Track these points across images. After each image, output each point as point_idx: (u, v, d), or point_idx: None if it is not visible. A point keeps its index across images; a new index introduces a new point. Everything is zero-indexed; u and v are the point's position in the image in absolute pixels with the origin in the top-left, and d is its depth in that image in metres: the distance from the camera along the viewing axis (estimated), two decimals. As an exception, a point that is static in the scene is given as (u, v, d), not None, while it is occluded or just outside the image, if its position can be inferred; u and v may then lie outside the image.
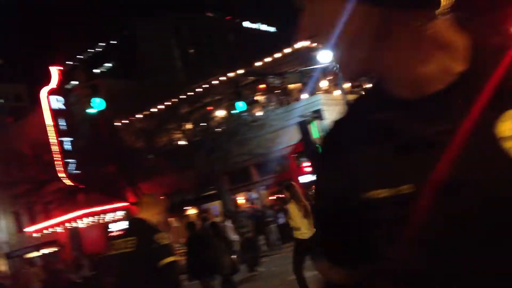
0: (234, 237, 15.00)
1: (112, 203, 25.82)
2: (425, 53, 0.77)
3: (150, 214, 4.13)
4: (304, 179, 26.21)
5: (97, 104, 22.37)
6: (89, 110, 22.90)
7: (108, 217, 27.36)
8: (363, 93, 0.98)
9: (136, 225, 4.22)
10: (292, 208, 8.13)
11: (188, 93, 25.17)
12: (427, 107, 0.76)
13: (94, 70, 66.86)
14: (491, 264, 0.70)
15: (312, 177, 24.12)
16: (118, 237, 4.94)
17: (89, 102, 22.77)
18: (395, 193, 0.76)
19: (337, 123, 0.96)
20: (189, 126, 24.39)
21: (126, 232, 4.30)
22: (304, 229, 7.87)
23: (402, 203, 0.75)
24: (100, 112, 22.74)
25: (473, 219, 0.70)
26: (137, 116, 25.08)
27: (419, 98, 0.78)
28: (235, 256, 11.40)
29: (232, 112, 22.31)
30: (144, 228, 4.01)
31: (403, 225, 0.75)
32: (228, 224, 16.01)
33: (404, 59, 0.78)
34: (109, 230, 27.55)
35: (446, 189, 0.72)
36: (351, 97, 24.46)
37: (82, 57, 73.61)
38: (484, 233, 0.70)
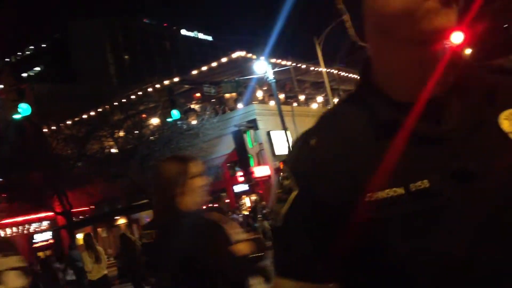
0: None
1: (37, 213, 24.77)
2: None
3: None
4: (237, 188, 26.20)
5: (23, 109, 21.43)
6: (15, 115, 21.88)
7: (33, 227, 26.22)
8: (351, 96, 0.95)
9: None
10: (85, 255, 10.57)
11: (122, 100, 24.61)
12: (428, 109, 0.81)
13: (23, 74, 64.21)
14: None
15: (244, 187, 24.26)
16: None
17: (15, 106, 21.75)
18: (413, 189, 0.77)
19: (326, 128, 0.91)
20: (121, 133, 23.82)
21: None
22: (94, 272, 10.35)
23: (418, 198, 0.77)
24: (26, 117, 21.79)
25: (494, 207, 0.75)
26: (66, 122, 24.22)
27: (419, 101, 0.82)
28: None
29: (166, 120, 22.02)
30: None
31: (422, 220, 0.76)
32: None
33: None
34: (33, 241, 26.39)
35: (464, 180, 0.76)
36: (285, 108, 24.82)
37: (9, 59, 70.52)
38: (507, 219, 0.74)
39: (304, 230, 0.87)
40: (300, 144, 0.91)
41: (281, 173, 0.93)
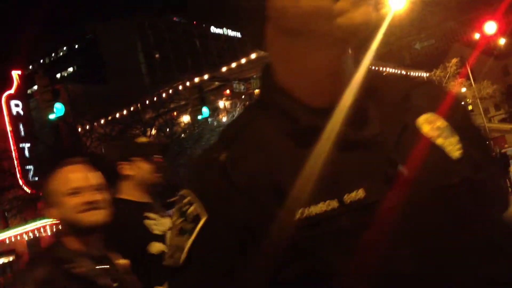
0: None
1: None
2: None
3: None
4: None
5: (57, 109, 21.91)
6: (50, 115, 22.38)
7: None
8: (258, 103, 0.85)
9: None
10: None
11: (153, 99, 24.89)
12: (349, 114, 0.76)
13: (57, 75, 65.64)
14: (455, 247, 0.72)
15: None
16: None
17: (50, 107, 22.26)
18: (347, 200, 0.71)
19: (237, 140, 0.80)
20: (153, 131, 24.12)
21: None
22: None
23: (354, 210, 0.71)
24: (61, 117, 22.27)
25: (431, 207, 0.73)
26: (100, 121, 24.65)
27: (338, 106, 0.77)
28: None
29: (197, 117, 22.20)
30: None
31: (360, 233, 0.70)
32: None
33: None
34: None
35: (398, 186, 0.72)
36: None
37: (44, 61, 72.16)
38: (445, 218, 0.73)
39: (216, 265, 0.74)
40: (204, 164, 0.80)
41: (179, 200, 0.79)
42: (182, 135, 22.39)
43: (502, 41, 35.23)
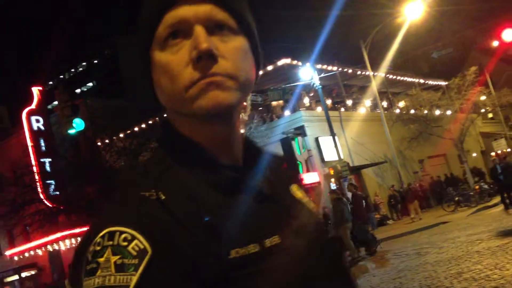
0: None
1: (94, 224, 25.40)
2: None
3: None
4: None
5: (77, 124, 22.16)
6: (70, 130, 22.64)
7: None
8: (178, 151, 0.92)
9: None
10: None
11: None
12: (256, 172, 0.93)
13: (77, 90, 66.50)
14: None
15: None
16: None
17: (70, 122, 22.54)
18: (267, 244, 0.82)
19: (168, 183, 0.83)
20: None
21: None
22: None
23: (272, 253, 0.82)
24: (80, 132, 22.51)
25: (317, 256, 0.91)
26: (119, 135, 24.88)
27: (238, 165, 0.93)
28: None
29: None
30: None
31: (277, 275, 0.81)
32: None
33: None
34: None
35: (300, 236, 0.89)
36: (332, 113, 24.63)
37: (64, 77, 73.17)
38: (325, 265, 0.92)
39: None
40: (140, 201, 0.79)
41: (112, 237, 0.75)
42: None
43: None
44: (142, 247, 0.73)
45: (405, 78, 33.56)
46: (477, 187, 22.09)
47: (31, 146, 25.08)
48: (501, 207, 17.61)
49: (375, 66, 27.05)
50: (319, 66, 24.37)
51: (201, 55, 0.83)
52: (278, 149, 20.69)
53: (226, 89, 0.85)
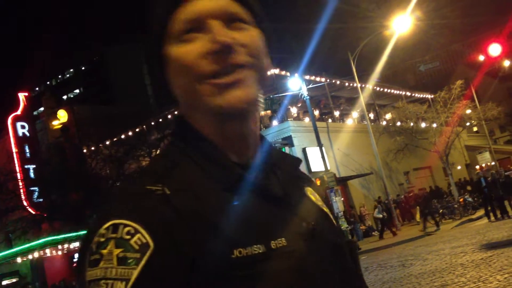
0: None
1: (77, 232, 25.20)
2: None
3: None
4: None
5: (63, 130, 21.99)
6: (55, 137, 22.46)
7: (73, 246, 26.66)
8: (185, 147, 0.91)
9: None
10: None
11: (159, 120, 24.96)
12: (262, 172, 0.90)
13: (64, 97, 66.00)
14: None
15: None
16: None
17: (54, 113, 22.36)
18: (273, 246, 0.81)
19: (173, 179, 0.83)
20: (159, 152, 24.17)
21: None
22: None
23: (278, 255, 0.80)
24: (66, 138, 22.34)
25: (330, 260, 0.89)
26: (105, 142, 24.72)
27: (249, 164, 0.90)
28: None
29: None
30: None
31: (283, 278, 0.79)
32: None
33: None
34: (74, 260, 26.78)
35: (309, 239, 0.87)
36: (320, 124, 24.71)
37: (50, 83, 72.66)
38: (337, 270, 0.90)
39: None
40: (140, 195, 0.79)
41: (116, 230, 0.76)
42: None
43: (506, 63, 35.28)
44: (144, 241, 0.74)
45: (392, 91, 33.83)
46: (461, 199, 22.24)
47: (16, 152, 24.82)
48: (485, 220, 17.72)
49: (363, 78, 27.24)
50: (307, 77, 24.47)
51: (220, 47, 0.84)
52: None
53: (246, 86, 0.86)
